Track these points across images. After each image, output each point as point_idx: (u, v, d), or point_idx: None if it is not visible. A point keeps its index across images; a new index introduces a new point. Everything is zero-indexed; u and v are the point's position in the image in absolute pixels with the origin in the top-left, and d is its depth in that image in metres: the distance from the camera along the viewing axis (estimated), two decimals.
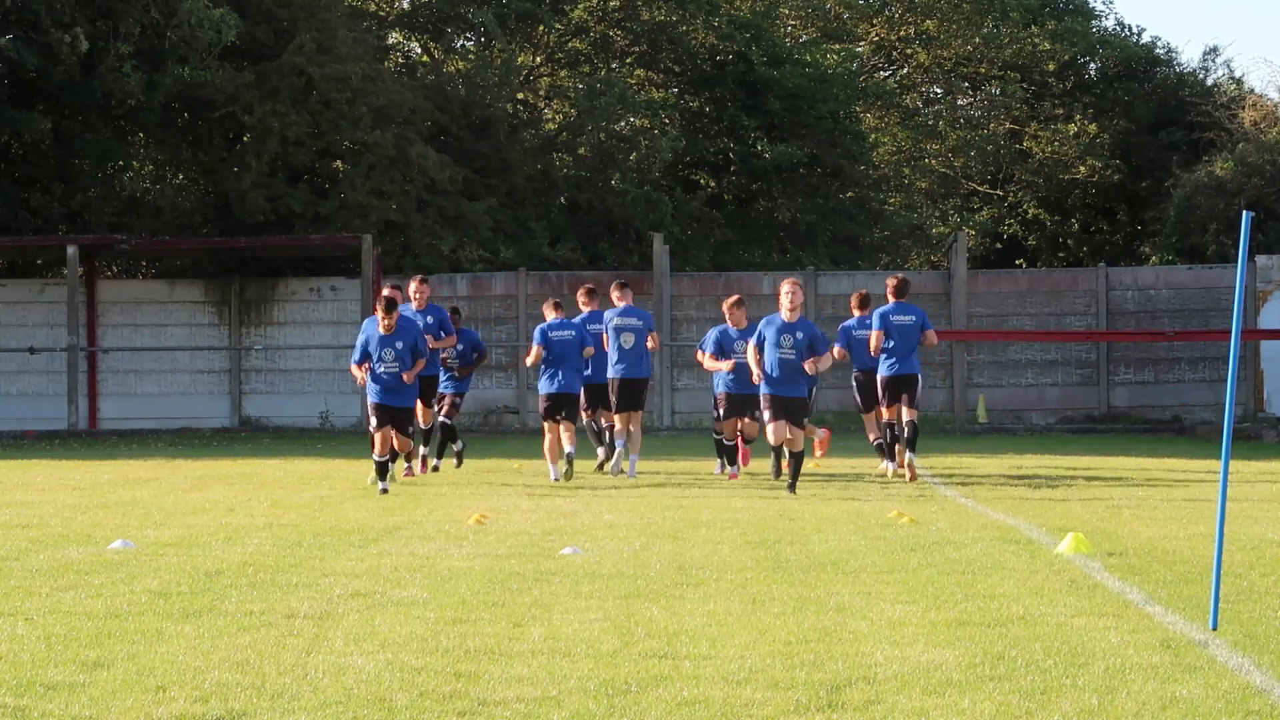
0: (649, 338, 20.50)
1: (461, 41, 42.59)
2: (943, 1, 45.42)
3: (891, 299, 20.68)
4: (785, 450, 18.35)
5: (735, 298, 20.16)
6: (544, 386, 19.89)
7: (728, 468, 20.28)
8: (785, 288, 18.34)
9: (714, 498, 17.56)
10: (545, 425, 19.90)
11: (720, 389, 19.98)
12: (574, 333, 19.98)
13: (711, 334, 20.22)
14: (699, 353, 20.74)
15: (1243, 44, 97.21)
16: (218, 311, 34.43)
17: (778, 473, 18.98)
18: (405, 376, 18.44)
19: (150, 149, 38.04)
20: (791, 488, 17.96)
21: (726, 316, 19.95)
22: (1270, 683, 7.86)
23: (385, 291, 19.06)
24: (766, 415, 18.23)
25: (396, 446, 18.63)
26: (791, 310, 18.16)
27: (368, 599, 10.37)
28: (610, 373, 20.33)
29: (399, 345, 18.55)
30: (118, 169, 37.73)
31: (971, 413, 33.49)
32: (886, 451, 20.51)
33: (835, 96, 41.15)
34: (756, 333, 18.38)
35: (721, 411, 20.02)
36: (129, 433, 32.35)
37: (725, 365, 19.49)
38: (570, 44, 43.21)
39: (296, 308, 34.26)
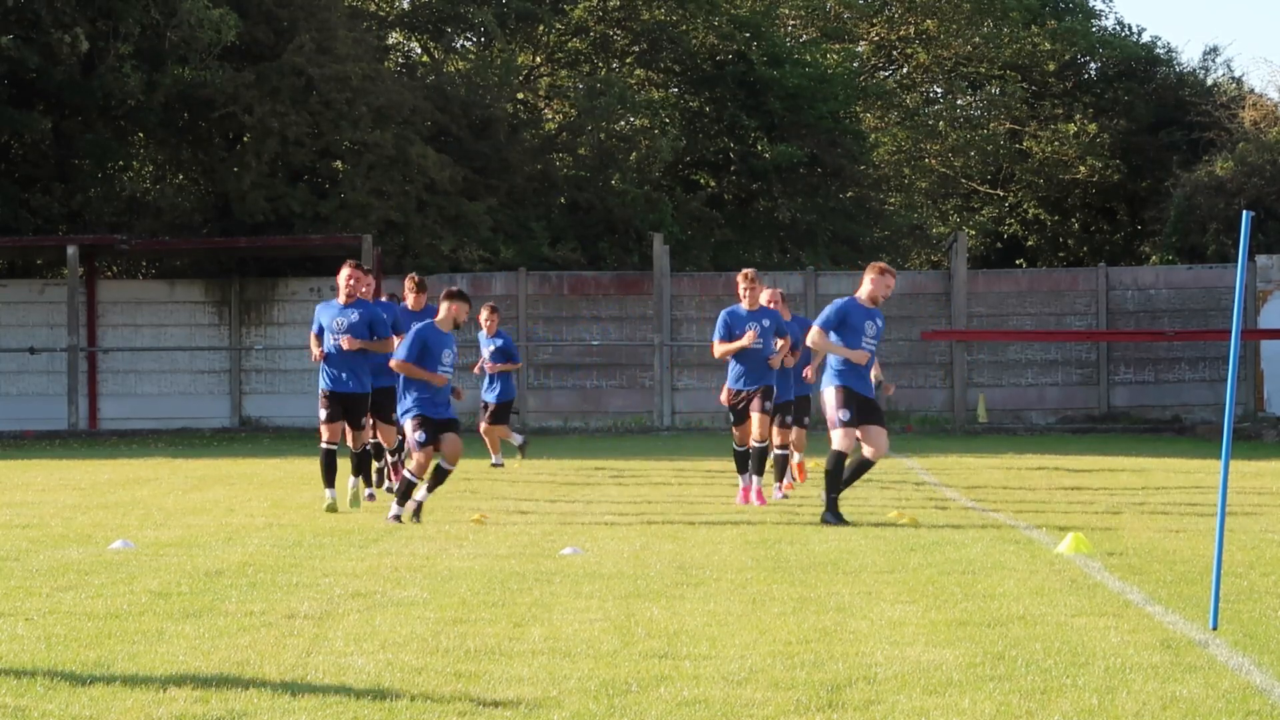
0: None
1: (461, 41, 42.61)
2: (943, 1, 45.43)
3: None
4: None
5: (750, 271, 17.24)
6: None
7: (771, 485, 17.17)
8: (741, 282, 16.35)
9: (714, 497, 17.54)
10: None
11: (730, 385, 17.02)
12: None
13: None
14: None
15: (1243, 44, 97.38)
16: (218, 311, 34.43)
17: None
18: (344, 341, 15.90)
19: (150, 149, 38.06)
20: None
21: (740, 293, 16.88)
22: (1270, 683, 7.86)
23: (349, 271, 16.47)
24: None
25: (350, 442, 16.13)
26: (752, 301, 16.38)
27: (368, 599, 10.37)
28: (491, 397, 21.78)
29: (354, 316, 16.02)
30: (118, 169, 37.74)
31: (971, 413, 33.48)
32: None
33: (835, 96, 41.16)
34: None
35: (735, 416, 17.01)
36: (129, 433, 32.34)
37: (745, 339, 16.46)
38: (570, 44, 43.23)
39: (296, 308, 34.24)
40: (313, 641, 8.93)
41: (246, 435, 32.21)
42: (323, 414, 16.19)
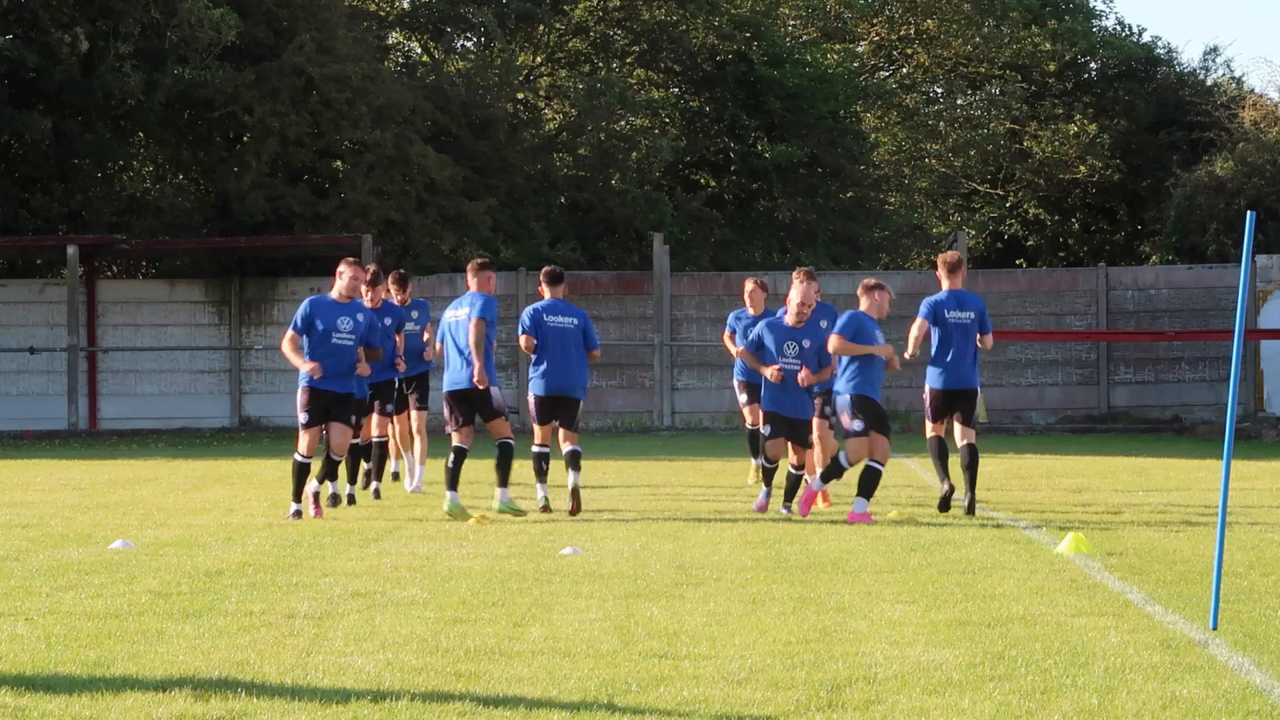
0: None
1: (461, 41, 42.61)
2: (943, 1, 45.42)
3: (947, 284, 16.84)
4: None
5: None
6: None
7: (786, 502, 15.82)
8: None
9: (714, 498, 17.54)
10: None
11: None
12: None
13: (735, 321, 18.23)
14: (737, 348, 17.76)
15: (1243, 44, 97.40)
16: (218, 311, 34.42)
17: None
18: (360, 367, 15.93)
19: (150, 149, 38.05)
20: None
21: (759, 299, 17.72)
22: (1270, 682, 7.86)
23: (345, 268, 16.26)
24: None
25: (334, 449, 15.85)
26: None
27: (368, 599, 10.37)
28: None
29: (359, 317, 15.97)
30: (118, 169, 37.74)
31: None
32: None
33: (835, 96, 41.16)
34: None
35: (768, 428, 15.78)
36: (129, 433, 32.34)
37: (770, 373, 15.63)
38: (570, 44, 43.23)
39: (296, 308, 34.19)
40: (313, 641, 8.93)
41: (246, 435, 32.20)
42: (368, 420, 16.52)
